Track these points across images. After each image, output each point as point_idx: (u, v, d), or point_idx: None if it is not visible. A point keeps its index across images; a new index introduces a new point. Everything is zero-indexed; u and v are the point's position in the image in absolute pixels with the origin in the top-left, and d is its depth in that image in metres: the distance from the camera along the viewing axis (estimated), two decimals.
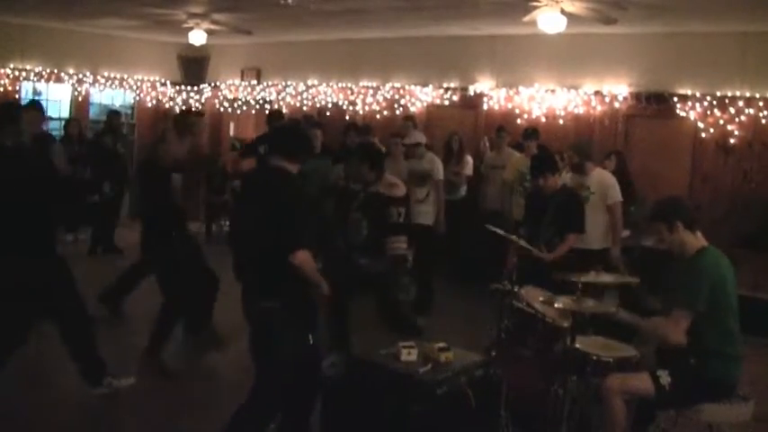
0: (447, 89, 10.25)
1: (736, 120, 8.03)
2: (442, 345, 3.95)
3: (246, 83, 12.58)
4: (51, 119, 11.70)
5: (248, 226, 3.65)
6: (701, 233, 3.68)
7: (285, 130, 4.04)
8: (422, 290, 7.21)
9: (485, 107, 9.86)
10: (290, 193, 3.61)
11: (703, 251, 3.62)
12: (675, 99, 8.39)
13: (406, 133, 8.55)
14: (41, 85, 11.51)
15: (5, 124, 4.45)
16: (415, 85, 10.54)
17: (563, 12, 6.75)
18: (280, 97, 12.04)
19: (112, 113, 10.52)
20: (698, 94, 8.26)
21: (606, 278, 4.14)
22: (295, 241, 3.50)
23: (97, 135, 10.02)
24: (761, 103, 7.88)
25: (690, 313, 3.47)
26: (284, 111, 11.67)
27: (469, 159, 8.59)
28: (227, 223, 10.31)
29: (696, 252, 3.63)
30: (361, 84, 11.07)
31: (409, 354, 3.86)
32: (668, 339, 3.51)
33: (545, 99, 9.35)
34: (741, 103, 7.99)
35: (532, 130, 8.04)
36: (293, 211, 3.52)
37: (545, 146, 7.74)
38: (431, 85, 10.39)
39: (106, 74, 12.11)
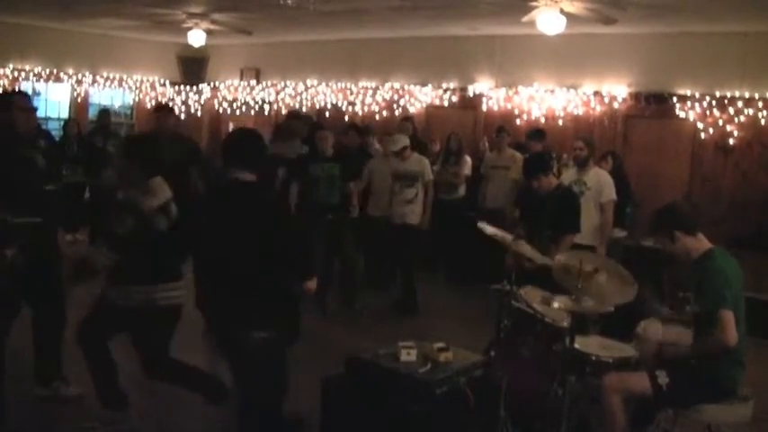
0: (446, 89, 10.25)
1: (736, 120, 8.03)
2: (441, 345, 3.95)
3: (246, 83, 12.58)
4: (50, 119, 11.71)
5: (229, 251, 3.28)
6: (702, 234, 3.66)
7: (238, 137, 3.58)
8: (405, 290, 7.16)
9: (484, 107, 9.86)
10: (273, 214, 3.38)
11: (711, 253, 3.59)
12: (675, 99, 8.40)
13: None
14: (41, 85, 11.50)
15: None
16: (415, 85, 10.54)
17: (562, 12, 6.75)
18: (279, 97, 12.04)
19: (103, 112, 10.46)
20: (697, 95, 8.26)
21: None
22: (307, 269, 3.37)
23: (88, 135, 9.90)
24: (760, 104, 7.88)
25: (730, 310, 3.41)
26: (284, 111, 11.71)
27: (468, 159, 8.59)
28: None
29: (704, 254, 3.59)
30: (360, 84, 11.07)
31: (408, 354, 3.85)
32: (727, 345, 3.41)
33: (544, 99, 9.35)
34: (740, 104, 7.99)
35: (536, 131, 8.02)
36: (286, 235, 3.31)
37: (548, 148, 7.75)
38: (430, 86, 10.39)
39: (105, 74, 12.11)
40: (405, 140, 7.17)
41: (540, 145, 7.78)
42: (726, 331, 3.40)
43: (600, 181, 6.19)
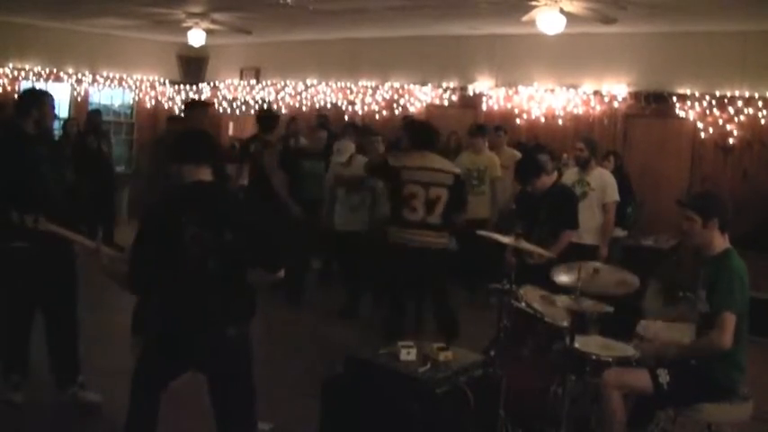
0: (446, 89, 10.24)
1: (736, 120, 8.03)
2: (441, 344, 3.95)
3: (245, 82, 12.58)
4: None
5: (210, 246, 3.14)
6: (727, 236, 3.64)
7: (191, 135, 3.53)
8: (349, 297, 6.95)
9: (484, 107, 9.86)
10: (241, 206, 3.39)
11: (730, 253, 3.59)
12: (675, 99, 8.40)
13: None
14: (40, 85, 11.48)
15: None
16: (415, 84, 10.54)
17: (562, 11, 6.75)
18: (279, 97, 12.04)
19: (93, 113, 10.43)
20: (697, 94, 8.26)
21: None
22: (279, 257, 3.37)
23: (80, 135, 9.72)
24: (760, 103, 7.88)
25: (735, 314, 3.41)
26: (284, 111, 11.71)
27: None
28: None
29: (723, 252, 3.59)
30: (360, 83, 11.07)
31: (408, 353, 3.85)
32: (721, 347, 3.40)
33: (544, 99, 9.35)
34: (740, 103, 7.99)
35: (478, 127, 7.94)
36: (258, 223, 3.30)
37: (540, 146, 7.73)
38: (430, 85, 10.39)
39: (105, 73, 12.11)
40: (351, 148, 6.93)
41: (481, 140, 7.67)
42: (723, 334, 3.39)
43: (603, 181, 6.21)
